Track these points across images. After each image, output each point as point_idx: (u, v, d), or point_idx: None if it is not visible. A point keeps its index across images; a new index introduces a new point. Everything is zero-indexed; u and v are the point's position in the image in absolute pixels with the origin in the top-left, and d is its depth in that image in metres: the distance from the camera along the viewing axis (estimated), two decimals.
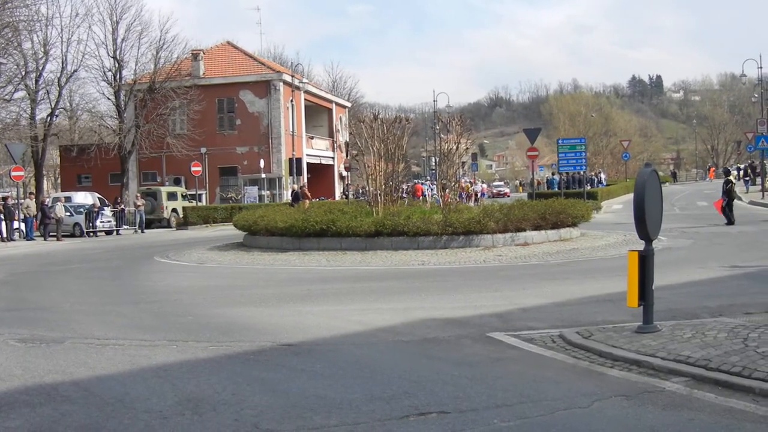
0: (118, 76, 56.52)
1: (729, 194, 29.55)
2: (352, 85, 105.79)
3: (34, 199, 43.11)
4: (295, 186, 48.43)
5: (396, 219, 23.64)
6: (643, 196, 9.56)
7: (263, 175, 57.05)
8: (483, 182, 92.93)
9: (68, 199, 46.60)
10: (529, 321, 11.48)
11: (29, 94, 52.13)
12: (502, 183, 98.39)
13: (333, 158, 70.96)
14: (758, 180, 59.86)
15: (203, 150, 55.79)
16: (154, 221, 47.98)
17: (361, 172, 33.55)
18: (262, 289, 16.74)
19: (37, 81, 52.86)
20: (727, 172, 32.77)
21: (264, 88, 59.06)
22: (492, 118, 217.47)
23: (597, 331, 10.08)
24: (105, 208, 46.04)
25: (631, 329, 9.91)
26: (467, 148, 30.95)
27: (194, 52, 60.04)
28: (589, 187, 52.99)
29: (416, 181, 76.96)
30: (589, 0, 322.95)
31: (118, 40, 55.95)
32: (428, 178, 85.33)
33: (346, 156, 65.60)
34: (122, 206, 47.14)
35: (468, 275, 17.74)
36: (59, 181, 72.84)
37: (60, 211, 39.65)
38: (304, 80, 62.86)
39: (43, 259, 27.44)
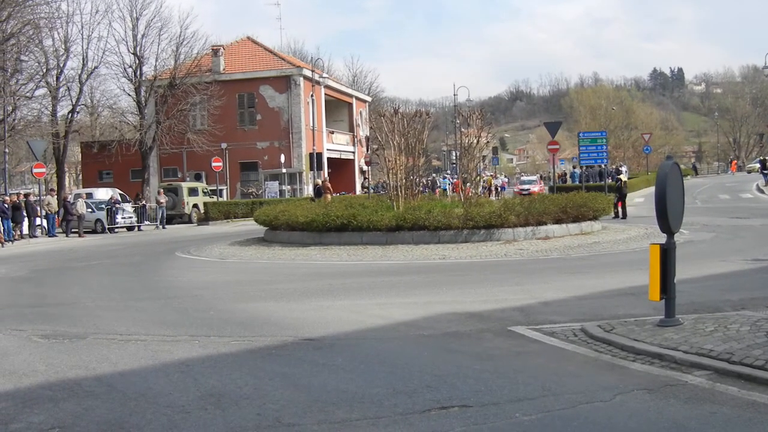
0: (138, 73, 56.60)
1: (619, 191, 33.00)
2: (372, 80, 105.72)
3: (55, 196, 43.30)
4: (318, 181, 48.45)
5: (417, 213, 23.63)
6: (665, 189, 9.51)
7: (284, 170, 57.11)
8: (505, 176, 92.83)
9: (90, 195, 46.87)
10: (551, 315, 11.46)
11: (50, 91, 52.38)
12: (533, 179, 71.36)
13: (353, 153, 70.94)
14: None
15: (224, 145, 55.88)
16: (175, 217, 48.10)
17: (382, 166, 33.58)
18: (284, 283, 16.77)
19: (58, 78, 53.11)
20: (618, 171, 37.33)
21: (284, 83, 59.10)
22: (512, 111, 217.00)
23: (619, 324, 10.05)
24: (126, 203, 46.18)
25: (653, 323, 9.88)
26: (488, 142, 30.80)
27: (214, 47, 60.09)
28: (610, 181, 52.73)
29: (449, 174, 76.30)
30: None
31: (138, 37, 56.03)
32: (449, 172, 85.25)
33: (367, 150, 65.66)
34: (143, 202, 47.32)
35: (489, 269, 17.71)
36: (80, 177, 73.18)
37: (81, 207, 39.86)
38: (324, 75, 62.71)
39: (65, 255, 27.59)
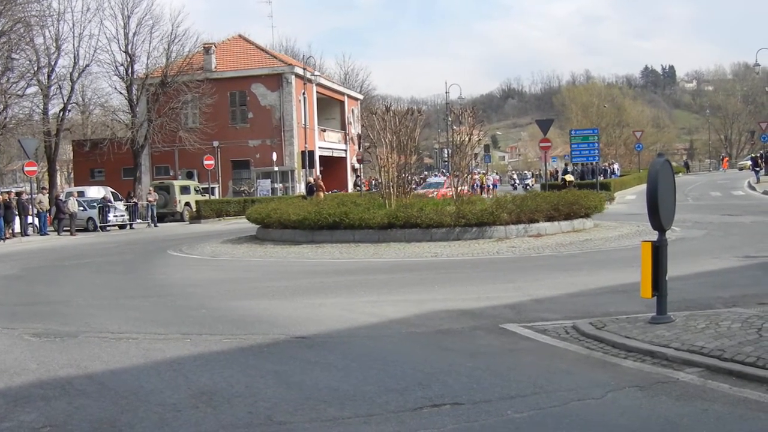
0: (130, 71, 56.43)
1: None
2: (364, 78, 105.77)
3: (47, 194, 43.20)
4: (311, 178, 48.42)
5: (409, 211, 23.61)
6: (657, 186, 9.52)
7: (276, 168, 57.04)
8: (496, 173, 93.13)
9: (81, 193, 46.81)
10: (543, 312, 11.46)
11: (42, 90, 52.24)
12: (441, 180, 50.43)
13: (345, 151, 70.90)
14: None
15: (216, 143, 55.81)
16: (167, 215, 48.07)
17: (374, 164, 33.58)
18: (276, 281, 16.75)
19: (49, 76, 52.95)
20: (565, 172, 39.41)
21: (276, 81, 59.04)
22: (504, 109, 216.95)
23: (610, 321, 10.06)
24: (118, 202, 46.13)
25: (644, 320, 9.89)
26: (480, 140, 30.88)
27: (206, 45, 59.95)
28: (602, 178, 52.82)
29: (440, 172, 76.42)
30: None
31: (130, 35, 55.86)
32: (441, 169, 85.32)
33: (359, 148, 65.70)
34: (135, 200, 47.24)
35: (481, 267, 17.72)
36: (72, 175, 73.03)
37: (73, 205, 39.79)
38: (316, 73, 62.83)
39: (56, 253, 27.53)
